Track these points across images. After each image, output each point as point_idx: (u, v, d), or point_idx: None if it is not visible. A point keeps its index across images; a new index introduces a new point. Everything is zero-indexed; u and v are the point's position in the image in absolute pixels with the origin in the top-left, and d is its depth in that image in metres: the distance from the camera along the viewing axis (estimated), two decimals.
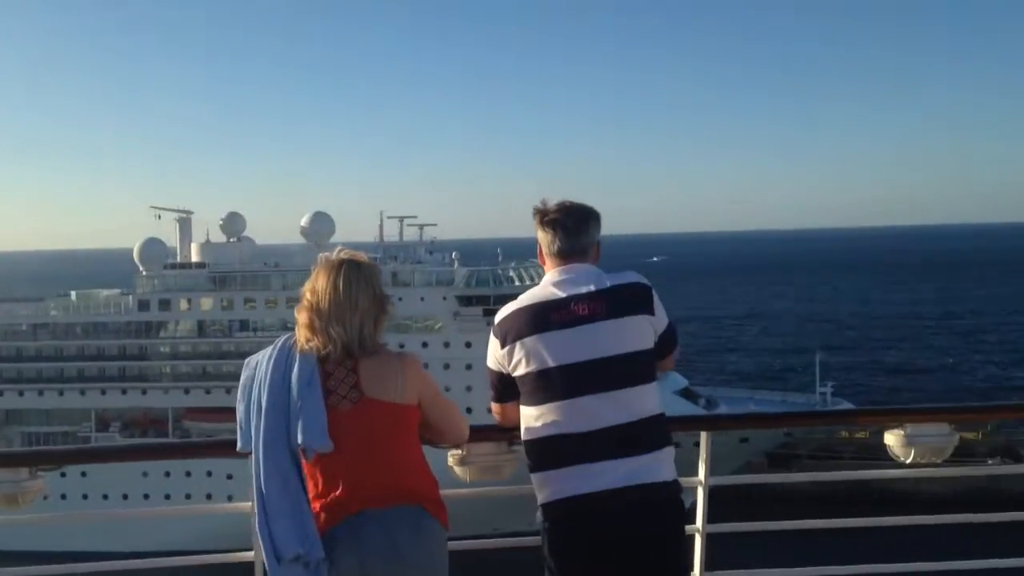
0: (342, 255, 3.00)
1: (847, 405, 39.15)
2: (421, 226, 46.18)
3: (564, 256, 3.21)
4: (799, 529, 3.77)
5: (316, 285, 2.95)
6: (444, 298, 39.01)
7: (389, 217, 46.19)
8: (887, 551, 3.99)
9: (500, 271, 40.63)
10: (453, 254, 43.00)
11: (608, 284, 3.13)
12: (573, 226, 3.22)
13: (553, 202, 3.28)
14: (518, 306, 3.18)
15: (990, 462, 34.53)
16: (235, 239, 46.80)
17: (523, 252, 47.47)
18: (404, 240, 45.58)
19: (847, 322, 78.23)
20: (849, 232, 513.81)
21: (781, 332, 72.61)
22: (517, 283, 39.92)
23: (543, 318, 3.10)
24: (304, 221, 45.39)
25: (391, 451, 2.88)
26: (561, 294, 3.12)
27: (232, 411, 3.01)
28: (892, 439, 3.46)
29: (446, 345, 37.94)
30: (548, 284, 3.20)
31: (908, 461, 3.45)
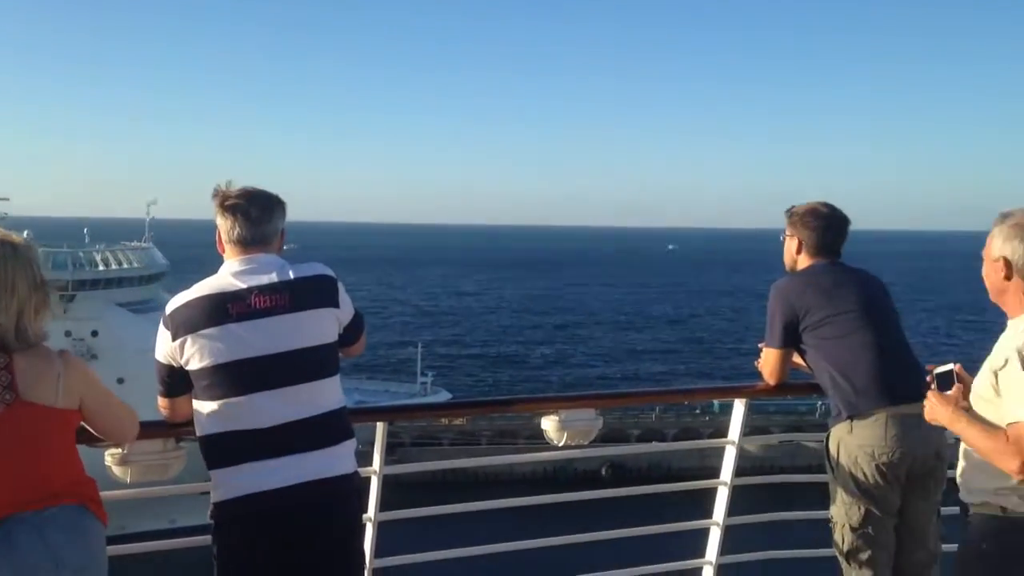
0: None
1: (446, 394, 41.97)
2: None
3: (245, 244, 3.13)
4: (463, 512, 4.07)
5: None
6: None
7: None
8: (532, 527, 4.45)
9: (81, 254, 37.09)
10: (25, 233, 38.40)
11: (292, 275, 3.10)
12: (257, 213, 3.14)
13: (235, 186, 3.19)
14: (193, 296, 3.06)
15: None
16: None
17: (117, 234, 43.92)
18: None
19: (447, 315, 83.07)
20: (455, 229, 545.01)
21: (390, 323, 75.08)
22: (102, 267, 36.86)
23: (221, 310, 3.00)
24: None
25: (46, 455, 2.66)
26: (241, 285, 3.04)
27: None
28: (548, 424, 3.86)
29: None
30: (227, 274, 3.10)
31: (560, 444, 3.87)
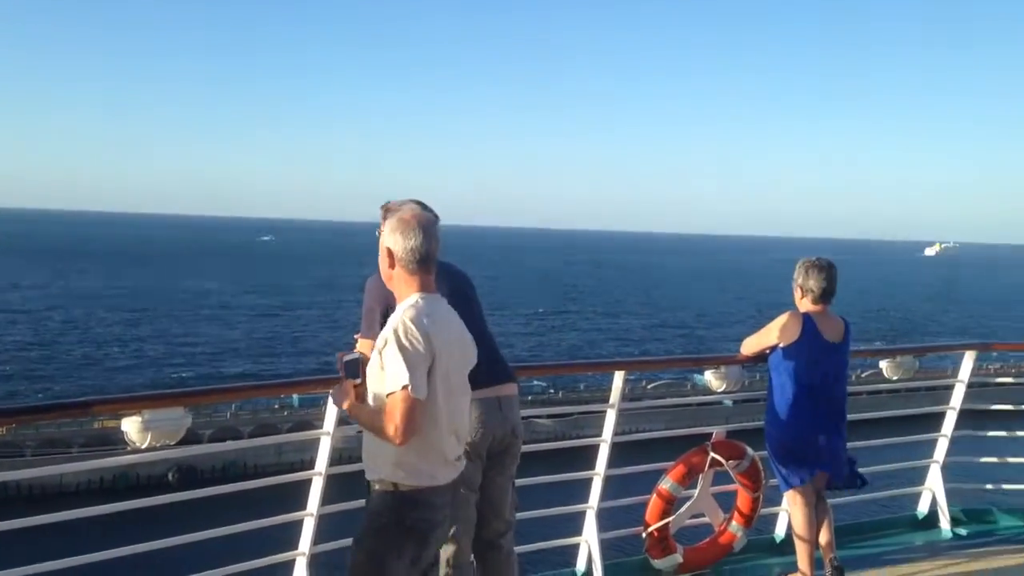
0: None
1: None
2: None
3: None
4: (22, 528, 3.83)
5: None
6: None
7: None
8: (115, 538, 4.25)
9: None
10: None
11: None
12: None
13: None
14: None
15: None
16: None
17: None
18: None
19: None
20: (10, 213, 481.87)
21: None
22: None
23: None
24: None
25: None
26: None
27: None
28: (130, 425, 3.75)
29: None
30: None
31: (144, 446, 3.79)
